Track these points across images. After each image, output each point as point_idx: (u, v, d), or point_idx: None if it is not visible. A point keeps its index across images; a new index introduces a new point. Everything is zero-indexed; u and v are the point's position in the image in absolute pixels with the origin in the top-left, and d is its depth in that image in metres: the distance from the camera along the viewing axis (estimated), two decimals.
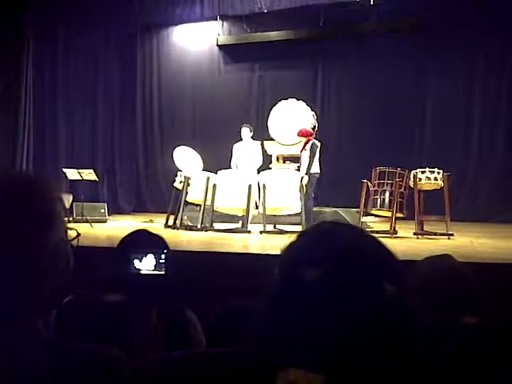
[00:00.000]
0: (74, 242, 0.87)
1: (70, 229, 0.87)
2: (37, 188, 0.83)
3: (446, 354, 1.26)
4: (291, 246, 0.76)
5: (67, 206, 7.77)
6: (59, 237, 0.84)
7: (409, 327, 0.70)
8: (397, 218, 6.39)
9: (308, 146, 6.85)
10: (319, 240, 0.74)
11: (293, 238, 0.78)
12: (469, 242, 5.83)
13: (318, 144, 6.91)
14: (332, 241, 0.73)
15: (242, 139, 7.83)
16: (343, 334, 0.67)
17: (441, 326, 1.40)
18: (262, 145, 8.06)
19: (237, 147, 7.84)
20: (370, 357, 0.67)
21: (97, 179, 8.40)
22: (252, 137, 7.84)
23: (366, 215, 6.77)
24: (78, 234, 0.88)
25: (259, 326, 0.72)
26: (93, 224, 7.44)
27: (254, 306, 0.74)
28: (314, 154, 6.80)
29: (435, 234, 6.28)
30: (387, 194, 6.49)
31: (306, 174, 6.73)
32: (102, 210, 8.30)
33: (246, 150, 7.77)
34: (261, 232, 6.52)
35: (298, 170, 7.63)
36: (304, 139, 6.94)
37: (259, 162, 7.76)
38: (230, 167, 7.70)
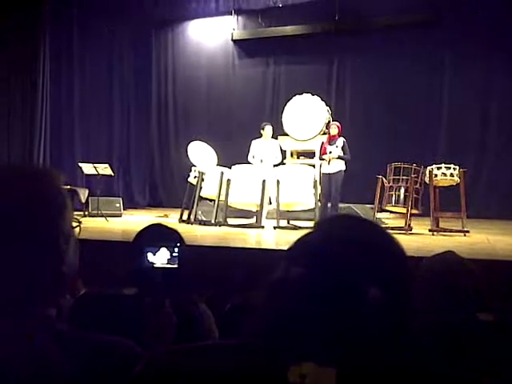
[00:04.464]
0: (77, 231, 0.90)
1: (73, 218, 0.90)
2: (48, 178, 0.86)
3: (459, 351, 1.25)
4: (298, 242, 0.76)
5: (83, 200, 7.85)
6: (70, 223, 0.87)
7: (397, 331, 0.69)
8: (412, 215, 6.33)
9: (339, 143, 6.89)
10: (323, 236, 0.74)
11: (304, 233, 0.77)
12: (485, 238, 5.76)
13: None
14: (333, 240, 0.72)
15: (260, 136, 7.76)
16: (338, 332, 0.67)
17: (454, 323, 1.39)
18: (277, 140, 8.04)
19: (256, 144, 7.78)
20: (374, 354, 0.67)
21: (112, 174, 8.48)
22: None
23: (381, 211, 6.73)
24: (80, 222, 0.90)
25: (260, 321, 0.72)
26: (108, 218, 7.51)
27: (256, 300, 0.74)
28: (347, 151, 6.92)
29: (451, 230, 6.21)
30: (402, 190, 6.44)
31: (339, 158, 6.86)
32: (118, 205, 8.37)
33: (266, 148, 7.74)
34: (275, 227, 6.52)
35: (313, 165, 7.63)
36: (335, 132, 6.98)
37: (279, 159, 7.76)
38: (245, 162, 7.66)
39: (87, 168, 8.24)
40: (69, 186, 7.40)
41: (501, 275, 3.35)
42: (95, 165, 8.17)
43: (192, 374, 0.71)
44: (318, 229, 0.78)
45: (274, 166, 7.53)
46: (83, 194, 7.94)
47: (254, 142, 7.80)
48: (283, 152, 8.09)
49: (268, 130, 7.70)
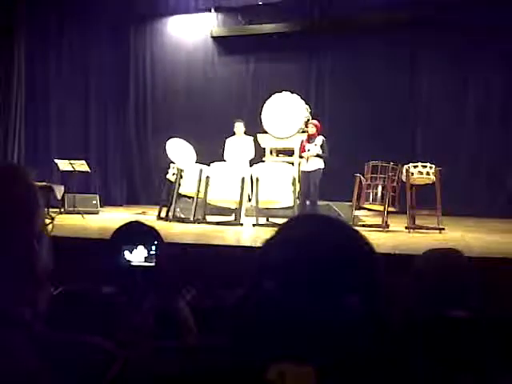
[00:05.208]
0: (50, 228, 0.88)
1: (46, 215, 0.88)
2: (19, 175, 0.84)
3: (434, 348, 1.27)
4: (268, 243, 0.75)
5: (59, 197, 7.71)
6: (42, 221, 0.85)
7: (376, 332, 0.69)
8: (389, 212, 6.42)
9: (318, 141, 6.92)
10: (294, 239, 0.72)
11: (271, 234, 0.76)
12: (459, 236, 5.87)
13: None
14: (305, 241, 0.71)
15: (234, 134, 7.88)
16: (316, 336, 0.66)
17: (430, 320, 1.41)
18: (256, 138, 8.06)
19: (230, 141, 7.89)
20: (353, 353, 0.67)
21: (89, 170, 8.35)
22: (244, 132, 7.90)
23: (359, 209, 6.80)
24: (52, 219, 0.89)
25: (244, 320, 0.72)
26: (84, 215, 7.41)
27: (235, 301, 0.74)
28: (326, 149, 6.94)
29: (427, 228, 6.32)
30: (380, 188, 6.52)
31: (317, 156, 6.89)
32: (94, 202, 8.26)
33: (239, 144, 7.82)
34: (253, 225, 6.53)
35: (291, 163, 7.66)
36: (313, 130, 6.99)
37: (251, 155, 7.81)
38: (223, 160, 7.72)
39: (63, 164, 8.10)
40: (44, 183, 7.27)
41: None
42: (71, 161, 8.03)
43: (169, 374, 0.71)
44: (283, 231, 0.76)
45: (251, 163, 7.57)
46: (59, 190, 7.79)
47: (228, 140, 7.89)
48: (263, 149, 8.11)
49: (238, 126, 7.81)
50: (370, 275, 0.71)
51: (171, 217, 7.06)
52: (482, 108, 9.12)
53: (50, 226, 0.88)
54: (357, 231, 0.75)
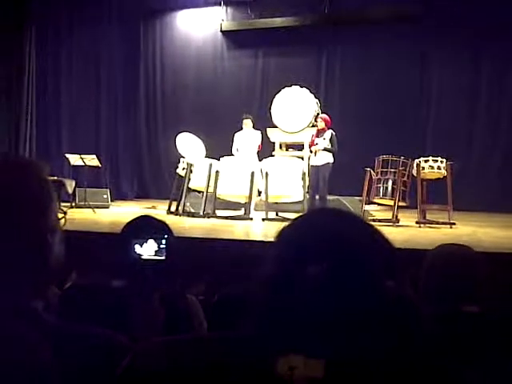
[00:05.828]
0: (62, 222, 0.89)
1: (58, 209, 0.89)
2: (33, 170, 0.85)
3: (444, 341, 1.27)
4: (284, 235, 0.75)
5: (70, 191, 7.77)
6: (55, 215, 0.86)
7: (408, 320, 0.70)
8: (399, 207, 6.39)
9: (327, 135, 6.87)
10: (315, 230, 0.73)
11: (284, 225, 0.77)
12: (471, 231, 5.83)
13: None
14: (328, 232, 0.72)
15: (242, 129, 7.90)
16: (343, 325, 0.67)
17: (441, 315, 1.40)
18: (265, 132, 8.06)
19: (238, 136, 7.92)
20: (369, 345, 0.67)
21: (99, 165, 8.40)
22: (253, 127, 7.91)
23: (369, 203, 6.77)
24: (65, 213, 0.90)
25: (257, 313, 0.72)
26: (95, 210, 7.46)
27: (250, 292, 0.74)
28: (334, 143, 6.88)
29: (437, 222, 6.28)
30: (390, 182, 6.48)
31: (325, 150, 6.81)
32: (105, 196, 8.31)
33: (247, 139, 7.84)
34: (263, 219, 6.53)
35: (301, 158, 7.65)
36: (322, 125, 6.95)
37: (258, 144, 7.86)
38: (231, 154, 7.74)
39: (74, 159, 8.15)
40: (55, 177, 7.32)
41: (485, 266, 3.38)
42: (82, 156, 8.08)
43: (179, 367, 0.71)
44: (299, 223, 0.77)
45: (260, 157, 7.58)
46: (70, 185, 7.85)
47: (236, 134, 7.92)
48: (272, 144, 8.11)
49: (246, 123, 7.88)
50: (390, 266, 0.71)
51: (181, 211, 7.08)
52: (493, 102, 9.02)
53: (63, 220, 0.89)
54: (371, 225, 0.76)
